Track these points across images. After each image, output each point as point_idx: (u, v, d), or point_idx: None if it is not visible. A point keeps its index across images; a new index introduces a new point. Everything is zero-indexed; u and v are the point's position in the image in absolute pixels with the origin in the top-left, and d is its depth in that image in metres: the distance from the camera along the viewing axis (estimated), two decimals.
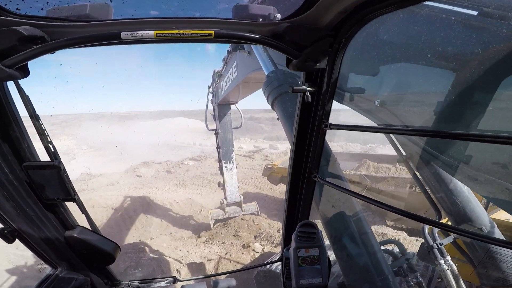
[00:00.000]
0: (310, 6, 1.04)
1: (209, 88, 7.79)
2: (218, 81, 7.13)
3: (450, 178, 2.34)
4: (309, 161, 1.56)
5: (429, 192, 2.38)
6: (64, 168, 1.26)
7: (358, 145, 20.55)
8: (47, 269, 1.56)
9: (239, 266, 6.63)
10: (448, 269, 2.39)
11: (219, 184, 9.12)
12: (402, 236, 7.05)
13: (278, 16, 1.17)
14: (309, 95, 1.30)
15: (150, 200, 10.92)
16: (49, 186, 1.27)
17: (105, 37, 0.97)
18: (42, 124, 1.22)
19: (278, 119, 2.67)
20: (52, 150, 1.24)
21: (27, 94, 1.14)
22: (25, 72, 1.01)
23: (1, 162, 1.14)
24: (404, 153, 2.41)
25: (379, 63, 1.97)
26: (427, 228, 2.51)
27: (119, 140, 24.18)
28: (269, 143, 23.68)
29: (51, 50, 0.95)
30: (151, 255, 7.35)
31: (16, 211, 1.26)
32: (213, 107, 7.97)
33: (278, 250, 7.22)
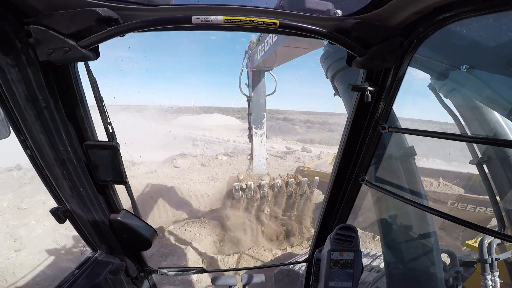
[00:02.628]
0: (381, 4, 1.01)
1: (245, 53, 7.60)
2: (256, 46, 6.93)
3: None
4: (358, 163, 1.50)
5: (498, 201, 2.27)
6: (120, 150, 1.29)
7: None
8: (88, 251, 1.62)
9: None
10: (491, 285, 2.34)
11: (248, 156, 8.58)
12: None
13: (339, 12, 1.14)
14: (369, 94, 1.25)
15: (184, 190, 11.43)
16: (104, 166, 1.30)
17: (177, 21, 0.99)
18: (104, 105, 1.25)
19: (334, 94, 2.59)
20: (111, 131, 1.28)
21: (94, 76, 1.18)
22: (97, 54, 1.05)
23: (65, 139, 1.18)
24: (480, 155, 2.31)
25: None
26: (486, 241, 2.44)
27: (161, 132, 25.76)
28: (302, 146, 23.17)
29: (124, 32, 0.98)
30: (183, 239, 7.66)
31: (71, 190, 1.31)
32: (248, 72, 7.73)
33: None
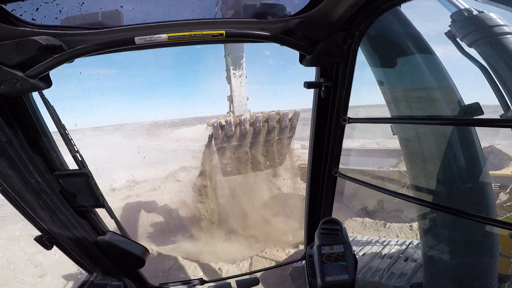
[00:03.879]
0: (320, 1, 1.03)
1: None
2: None
3: None
4: (328, 157, 1.53)
5: None
6: (92, 175, 1.29)
7: (397, 141, 19.25)
8: (83, 275, 1.61)
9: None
10: None
11: (227, 98, 8.19)
12: None
13: (289, 12, 1.15)
14: (325, 90, 1.28)
15: (188, 203, 11.45)
16: (79, 193, 1.30)
17: (120, 43, 1.00)
18: (68, 133, 1.23)
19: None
20: (80, 158, 1.26)
21: (51, 104, 1.16)
22: (48, 82, 1.04)
23: (34, 172, 1.17)
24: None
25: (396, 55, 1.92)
26: None
27: (159, 148, 25.64)
28: (300, 143, 23.22)
29: (70, 58, 0.97)
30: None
31: (52, 218, 1.29)
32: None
33: None
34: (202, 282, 1.84)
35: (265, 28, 1.11)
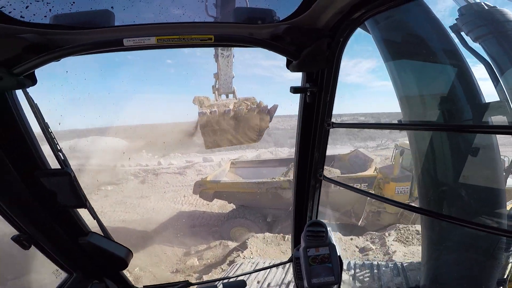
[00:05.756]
0: (307, 7, 1.05)
1: None
2: None
3: None
4: (314, 160, 1.57)
5: None
6: (75, 175, 1.28)
7: (286, 149, 22.01)
8: (63, 274, 1.58)
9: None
10: None
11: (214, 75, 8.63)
12: None
13: (278, 18, 1.17)
14: (310, 95, 1.32)
15: None
16: (60, 193, 1.28)
17: (108, 44, 0.99)
18: (51, 132, 1.22)
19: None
20: (62, 158, 1.26)
21: (35, 102, 1.15)
22: (33, 80, 1.04)
23: (14, 171, 1.17)
24: None
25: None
26: None
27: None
28: (202, 156, 22.90)
29: (57, 57, 0.97)
30: None
31: (31, 218, 1.29)
32: None
33: None
34: (188, 284, 1.81)
35: (254, 33, 1.13)
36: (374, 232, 8.16)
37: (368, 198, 9.34)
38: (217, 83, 8.58)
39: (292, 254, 1.83)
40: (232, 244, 8.39)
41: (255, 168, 12.67)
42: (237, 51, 8.96)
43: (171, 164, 20.14)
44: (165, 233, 9.71)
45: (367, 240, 7.78)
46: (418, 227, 7.64)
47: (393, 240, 7.37)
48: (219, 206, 11.70)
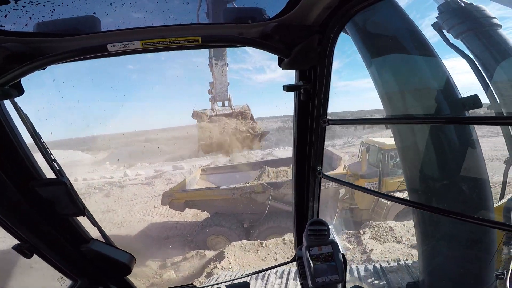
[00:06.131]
0: (295, 4, 1.04)
1: None
2: None
3: None
4: (311, 158, 1.57)
5: None
6: (71, 183, 1.28)
7: (259, 152, 22.06)
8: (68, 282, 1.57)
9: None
10: None
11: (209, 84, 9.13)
12: None
13: (268, 16, 1.15)
14: (304, 92, 1.31)
15: None
16: (58, 202, 1.28)
17: (91, 50, 0.96)
18: (44, 142, 1.23)
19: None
20: (57, 167, 1.26)
21: (25, 112, 1.15)
22: (20, 90, 1.03)
23: (9, 182, 1.15)
24: None
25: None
26: None
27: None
28: (172, 164, 22.02)
29: (41, 66, 0.95)
30: None
31: (31, 228, 1.27)
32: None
33: None
34: (192, 287, 1.83)
35: (244, 33, 1.11)
36: (350, 231, 8.35)
37: (340, 195, 9.69)
38: (213, 91, 9.01)
39: (295, 254, 1.84)
40: (209, 254, 8.12)
41: (227, 173, 12.34)
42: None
43: (138, 175, 19.10)
44: (137, 247, 9.13)
45: (343, 240, 7.93)
46: (391, 223, 7.96)
47: (368, 238, 7.55)
48: (193, 214, 11.29)
